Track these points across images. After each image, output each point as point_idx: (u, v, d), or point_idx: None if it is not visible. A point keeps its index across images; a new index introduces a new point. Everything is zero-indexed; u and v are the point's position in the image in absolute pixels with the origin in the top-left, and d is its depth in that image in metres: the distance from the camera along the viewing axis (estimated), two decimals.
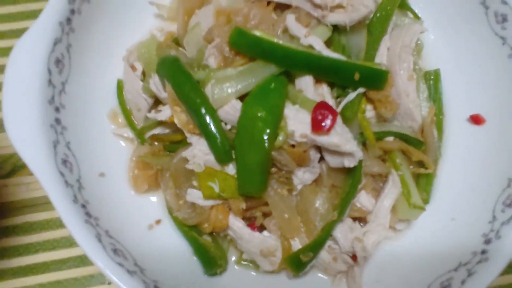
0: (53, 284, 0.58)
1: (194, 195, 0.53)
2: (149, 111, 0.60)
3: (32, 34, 0.53)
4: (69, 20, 0.55)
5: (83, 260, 0.59)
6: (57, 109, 0.54)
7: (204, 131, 0.52)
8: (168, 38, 0.62)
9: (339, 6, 0.55)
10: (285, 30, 0.56)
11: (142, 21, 0.64)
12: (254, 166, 0.50)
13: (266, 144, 0.49)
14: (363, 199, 0.56)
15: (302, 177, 0.54)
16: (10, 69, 0.52)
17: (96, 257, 0.47)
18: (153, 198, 0.59)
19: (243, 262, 0.57)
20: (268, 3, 0.58)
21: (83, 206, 0.51)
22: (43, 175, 0.49)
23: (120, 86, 0.61)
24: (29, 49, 0.52)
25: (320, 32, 0.54)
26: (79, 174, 0.53)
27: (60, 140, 0.53)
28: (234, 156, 0.52)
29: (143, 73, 0.60)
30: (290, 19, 0.54)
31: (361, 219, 0.57)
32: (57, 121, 0.54)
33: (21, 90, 0.51)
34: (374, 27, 0.57)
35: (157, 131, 0.60)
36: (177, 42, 0.62)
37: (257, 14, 0.56)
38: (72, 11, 0.56)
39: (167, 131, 0.60)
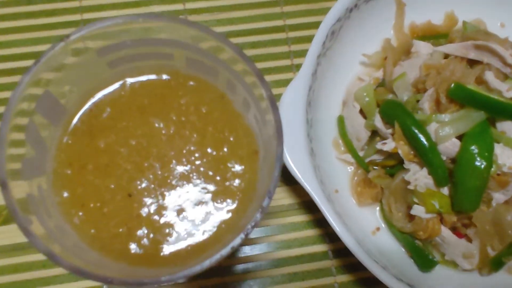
0: (291, 274, 0.74)
1: (418, 210, 0.69)
2: (367, 142, 0.76)
3: (297, 82, 0.69)
4: (315, 71, 0.72)
5: (312, 257, 0.75)
6: (310, 141, 0.71)
7: (427, 161, 0.68)
8: (375, 83, 0.78)
9: None
10: (479, 83, 0.72)
11: (351, 68, 0.80)
12: (474, 189, 0.66)
13: (485, 174, 0.66)
14: None
15: (498, 197, 0.70)
16: (282, 112, 0.68)
17: (360, 254, 0.64)
18: (371, 210, 0.75)
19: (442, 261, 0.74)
20: (461, 58, 0.75)
21: (339, 216, 0.68)
22: (315, 192, 0.66)
23: (342, 121, 0.77)
24: (294, 94, 0.69)
25: None
26: (328, 191, 0.70)
27: (315, 164, 0.70)
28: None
29: (360, 111, 0.76)
30: (490, 75, 0.70)
31: None
32: (312, 149, 0.70)
33: (293, 127, 0.68)
34: None
35: (373, 157, 0.76)
36: (382, 85, 0.78)
37: (459, 69, 0.72)
38: (317, 64, 0.72)
39: (381, 157, 0.76)
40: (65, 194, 0.46)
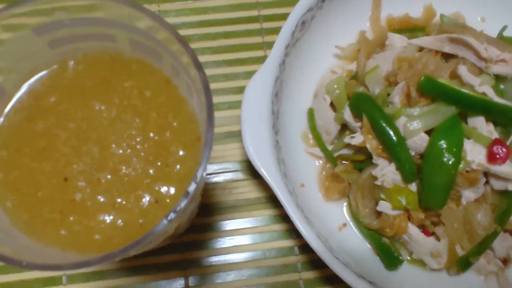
0: (257, 268, 0.73)
1: (384, 206, 0.67)
2: (337, 136, 0.74)
3: (263, 72, 0.68)
4: (283, 62, 0.70)
5: (278, 252, 0.74)
6: (276, 133, 0.69)
7: (394, 156, 0.66)
8: (348, 75, 0.76)
9: (503, 60, 0.69)
10: (453, 77, 0.70)
11: (324, 60, 0.78)
12: (440, 186, 0.64)
13: (453, 170, 0.64)
14: None
15: (468, 195, 0.67)
16: (246, 102, 0.66)
17: (320, 250, 0.62)
18: (338, 206, 0.73)
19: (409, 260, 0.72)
20: (436, 52, 0.73)
21: (302, 210, 0.66)
22: (277, 185, 0.64)
23: (311, 113, 0.75)
24: (260, 84, 0.67)
25: (487, 80, 0.68)
26: (292, 185, 0.68)
27: (279, 157, 0.68)
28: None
29: (331, 104, 0.74)
30: (463, 69, 0.68)
31: (508, 231, 0.71)
32: (277, 142, 0.68)
33: (257, 118, 0.66)
34: None
35: (342, 151, 0.74)
36: (354, 78, 0.76)
37: (432, 63, 0.70)
38: (286, 54, 0.70)
39: (350, 152, 0.74)
40: None
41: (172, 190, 0.45)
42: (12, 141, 0.45)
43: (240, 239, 0.74)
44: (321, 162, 0.75)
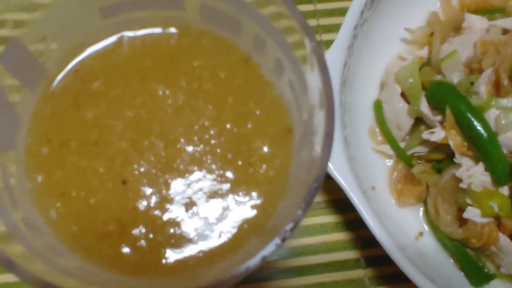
0: (317, 285, 0.63)
1: (473, 213, 0.58)
2: (409, 131, 0.65)
3: (330, 56, 0.58)
4: (352, 45, 0.61)
5: (342, 265, 0.64)
6: (344, 127, 0.60)
7: (484, 154, 0.57)
8: (418, 62, 0.67)
9: None
10: None
11: (390, 45, 0.69)
12: None
13: None
14: None
15: None
16: None
17: (403, 263, 0.53)
18: (413, 212, 0.64)
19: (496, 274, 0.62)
20: None
21: (375, 213, 0.56)
22: (349, 186, 0.55)
23: (379, 105, 0.66)
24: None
25: None
26: (364, 187, 0.59)
27: (350, 156, 0.58)
28: None
29: (401, 95, 0.65)
30: None
31: None
32: (345, 138, 0.59)
33: None
34: None
35: (416, 149, 0.65)
36: (426, 65, 0.66)
37: None
38: (354, 36, 0.61)
39: (425, 150, 0.65)
40: (40, 179, 0.35)
41: (260, 198, 0.35)
42: (55, 133, 0.36)
43: (297, 250, 0.65)
44: (391, 161, 0.65)
